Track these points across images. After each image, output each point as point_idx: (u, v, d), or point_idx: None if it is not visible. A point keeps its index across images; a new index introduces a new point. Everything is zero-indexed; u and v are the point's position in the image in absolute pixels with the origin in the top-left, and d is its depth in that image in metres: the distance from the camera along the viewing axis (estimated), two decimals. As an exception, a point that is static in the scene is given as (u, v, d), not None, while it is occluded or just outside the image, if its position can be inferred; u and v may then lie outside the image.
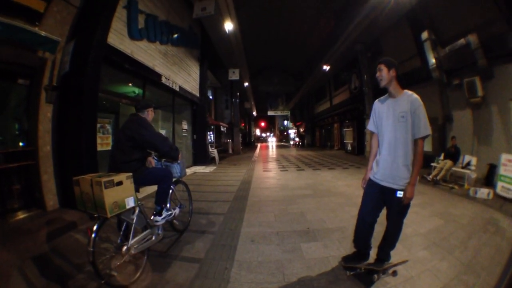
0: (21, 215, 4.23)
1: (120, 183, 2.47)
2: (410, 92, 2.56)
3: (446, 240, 3.67)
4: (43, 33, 4.11)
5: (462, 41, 8.29)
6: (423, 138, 2.43)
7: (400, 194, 2.47)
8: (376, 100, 2.84)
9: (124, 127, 3.13)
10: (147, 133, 3.00)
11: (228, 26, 12.44)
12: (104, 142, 5.99)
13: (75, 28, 5.05)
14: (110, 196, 2.34)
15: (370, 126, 2.87)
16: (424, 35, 9.55)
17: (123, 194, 2.50)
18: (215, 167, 12.59)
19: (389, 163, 2.54)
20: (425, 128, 2.40)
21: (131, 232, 2.68)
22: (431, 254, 3.26)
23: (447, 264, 3.00)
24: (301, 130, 42.01)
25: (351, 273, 2.78)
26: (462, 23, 8.57)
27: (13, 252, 3.13)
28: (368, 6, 11.67)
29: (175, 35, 10.05)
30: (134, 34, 6.97)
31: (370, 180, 2.76)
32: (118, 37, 6.28)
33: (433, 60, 9.36)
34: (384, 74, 2.58)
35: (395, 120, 2.53)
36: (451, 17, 9.14)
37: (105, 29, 5.43)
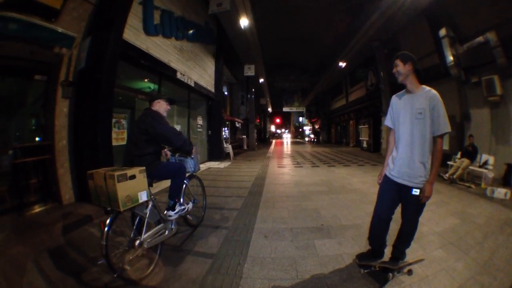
0: (37, 209, 4.34)
1: (133, 176, 2.47)
2: (428, 88, 2.48)
3: (462, 240, 3.57)
4: (60, 30, 4.19)
5: (480, 38, 8.02)
6: (442, 135, 2.37)
7: (415, 192, 2.42)
8: (394, 96, 2.76)
9: (138, 121, 3.15)
10: (159, 126, 3.00)
11: (244, 22, 12.39)
12: (120, 137, 6.07)
13: (91, 25, 5.12)
14: (123, 189, 2.34)
15: (387, 121, 2.80)
16: (442, 32, 9.23)
17: (136, 188, 2.51)
18: (229, 162, 12.63)
19: (406, 160, 2.48)
20: (445, 125, 2.34)
21: (144, 227, 2.69)
22: (447, 254, 3.17)
23: (463, 264, 2.92)
24: (317, 126, 41.69)
25: (365, 271, 2.74)
26: (481, 21, 8.29)
27: (29, 245, 3.21)
28: (384, 3, 11.42)
29: (191, 31, 10.07)
30: (149, 30, 7.01)
31: (386, 176, 2.70)
32: (133, 33, 6.33)
33: (451, 57, 9.06)
34: (401, 69, 2.53)
35: (412, 117, 2.46)
36: (470, 15, 8.84)
37: (121, 25, 5.48)
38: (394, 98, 2.75)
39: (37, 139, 4.77)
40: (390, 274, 2.60)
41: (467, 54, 8.84)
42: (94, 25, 5.12)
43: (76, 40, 4.71)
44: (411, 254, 2.91)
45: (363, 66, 19.72)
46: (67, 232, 3.71)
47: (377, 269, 2.71)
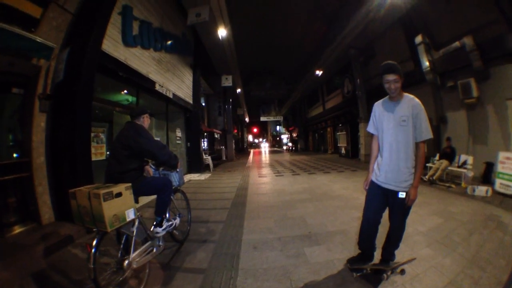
0: (17, 230, 4.07)
1: (119, 194, 2.37)
2: (411, 96, 2.57)
3: (447, 238, 3.71)
4: (39, 39, 4.02)
5: (456, 44, 8.41)
6: (425, 141, 2.49)
7: (402, 195, 2.52)
8: (376, 103, 2.82)
9: (119, 135, 3.02)
10: (144, 141, 2.90)
11: (222, 32, 12.47)
12: (98, 152, 5.87)
13: (70, 35, 4.96)
14: (109, 209, 2.23)
15: (370, 128, 2.87)
16: (418, 38, 9.66)
17: (123, 206, 2.40)
18: (209, 174, 12.49)
19: (391, 166, 2.57)
20: (427, 132, 2.46)
21: (132, 246, 2.58)
22: (434, 252, 3.29)
23: (451, 260, 3.04)
24: (294, 135, 42.16)
25: (358, 274, 2.77)
26: (457, 26, 8.71)
27: (12, 270, 3.00)
28: (361, 12, 11.81)
29: (169, 42, 10.01)
30: (128, 40, 6.90)
31: (372, 182, 2.78)
32: (112, 44, 6.20)
33: (427, 63, 9.48)
34: (399, 86, 2.49)
35: (396, 124, 2.55)
36: (446, 21, 9.29)
37: (100, 35, 5.35)
38: (377, 106, 2.80)
39: (14, 155, 4.51)
40: (385, 275, 2.66)
41: (443, 59, 9.25)
42: (73, 36, 4.97)
43: (55, 51, 4.54)
44: (399, 254, 2.97)
45: (339, 74, 20.19)
46: (50, 254, 3.49)
47: (369, 271, 2.76)
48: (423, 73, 9.74)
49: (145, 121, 3.22)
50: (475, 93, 8.13)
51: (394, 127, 2.55)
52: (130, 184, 2.56)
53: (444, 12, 9.25)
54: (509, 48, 7.10)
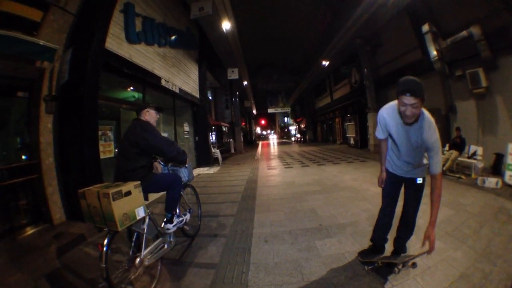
0: (29, 231, 4.14)
1: (128, 193, 2.36)
2: (428, 118, 2.22)
3: (458, 230, 3.64)
4: (41, 42, 4.04)
5: (464, 33, 8.20)
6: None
7: (419, 180, 2.53)
8: (383, 112, 2.48)
9: (127, 133, 2.99)
10: (151, 137, 2.86)
11: (226, 25, 12.38)
12: (107, 150, 5.91)
13: (73, 35, 4.97)
14: (119, 208, 2.22)
15: (379, 134, 2.65)
16: (425, 27, 9.43)
17: (133, 204, 2.40)
18: (218, 167, 12.54)
19: (405, 166, 2.56)
20: (439, 164, 2.26)
21: (143, 243, 2.59)
22: (445, 244, 3.23)
23: (462, 253, 2.99)
24: (302, 126, 41.96)
25: (369, 267, 2.76)
26: (464, 15, 8.46)
27: (26, 271, 3.05)
28: (366, 1, 11.59)
29: (173, 37, 9.97)
30: (132, 37, 6.89)
31: (389, 172, 2.75)
32: (116, 42, 6.19)
33: (435, 52, 9.28)
34: (417, 112, 2.11)
35: (409, 146, 2.40)
36: (452, 9, 9.02)
37: (102, 34, 5.33)
38: (384, 116, 2.47)
39: (23, 157, 4.57)
40: (396, 269, 2.62)
41: (451, 48, 9.03)
42: (76, 36, 4.97)
43: (58, 52, 4.54)
44: (410, 247, 2.97)
45: (346, 64, 19.93)
46: (62, 254, 3.54)
47: (381, 265, 2.75)
48: (431, 62, 9.54)
49: (147, 115, 3.10)
50: (484, 83, 7.95)
51: (408, 147, 2.43)
52: (139, 182, 2.55)
53: (451, 0, 8.99)
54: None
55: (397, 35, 12.81)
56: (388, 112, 2.43)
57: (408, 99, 2.02)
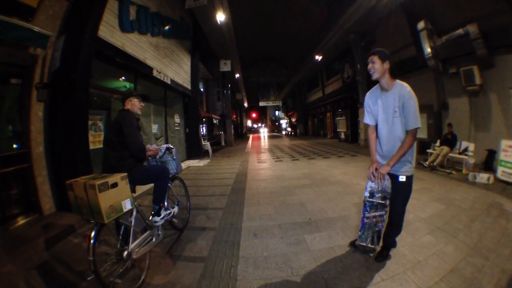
0: (19, 222, 4.05)
1: (115, 184, 2.31)
2: (400, 83, 2.55)
3: (449, 224, 3.69)
4: (36, 29, 3.91)
5: (460, 31, 8.24)
6: (414, 131, 2.44)
7: (402, 178, 2.56)
8: (367, 94, 2.84)
9: (112, 123, 2.97)
10: (125, 129, 2.76)
11: (220, 16, 12.13)
12: (96, 140, 5.77)
13: (67, 22, 4.81)
14: (105, 200, 2.17)
15: (366, 120, 2.85)
16: (421, 24, 9.46)
17: (119, 196, 2.35)
18: (209, 160, 12.47)
19: (390, 154, 2.57)
20: (414, 122, 2.41)
21: (131, 236, 2.54)
22: (436, 239, 3.27)
23: (453, 248, 3.03)
24: (293, 119, 42.01)
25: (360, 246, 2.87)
26: (461, 13, 8.48)
27: (17, 263, 2.99)
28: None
29: (167, 27, 9.77)
30: (125, 26, 6.71)
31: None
32: (109, 30, 6.02)
33: (429, 49, 9.33)
34: (378, 67, 2.53)
35: (389, 116, 2.56)
36: (450, 7, 9.03)
37: (96, 21, 5.19)
38: (368, 97, 2.82)
39: (14, 146, 4.44)
40: (387, 262, 2.70)
41: (445, 46, 9.09)
42: (69, 23, 4.82)
43: (51, 39, 4.41)
44: (400, 241, 3.00)
45: (339, 59, 19.97)
46: (52, 245, 3.48)
47: (371, 257, 2.83)
48: (425, 59, 9.58)
49: (129, 104, 3.04)
50: (478, 80, 8.00)
51: (387, 119, 2.57)
52: (125, 174, 2.49)
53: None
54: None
55: (392, 31, 12.74)
56: (370, 93, 2.81)
57: (374, 58, 2.54)
